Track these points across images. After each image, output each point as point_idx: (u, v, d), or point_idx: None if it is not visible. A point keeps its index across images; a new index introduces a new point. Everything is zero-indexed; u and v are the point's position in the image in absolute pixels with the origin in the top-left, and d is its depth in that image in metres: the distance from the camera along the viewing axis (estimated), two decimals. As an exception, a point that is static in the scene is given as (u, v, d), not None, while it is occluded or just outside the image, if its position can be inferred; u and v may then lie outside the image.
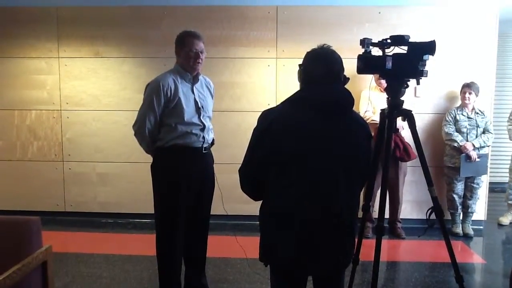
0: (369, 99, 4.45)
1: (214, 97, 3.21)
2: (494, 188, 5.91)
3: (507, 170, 5.28)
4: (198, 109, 2.95)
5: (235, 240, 3.61)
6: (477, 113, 4.71)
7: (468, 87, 4.64)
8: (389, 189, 4.64)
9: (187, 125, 2.90)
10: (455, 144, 4.62)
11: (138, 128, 2.93)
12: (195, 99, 2.95)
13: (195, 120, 2.93)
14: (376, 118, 4.26)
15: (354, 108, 1.97)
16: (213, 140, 3.14)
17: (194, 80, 2.98)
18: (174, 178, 2.93)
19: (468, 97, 4.63)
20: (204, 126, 2.97)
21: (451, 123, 4.69)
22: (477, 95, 4.66)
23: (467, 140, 4.64)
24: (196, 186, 3.00)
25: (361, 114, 4.45)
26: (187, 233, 3.06)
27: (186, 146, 2.92)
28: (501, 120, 5.81)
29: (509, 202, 5.26)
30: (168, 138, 2.91)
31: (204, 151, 3.00)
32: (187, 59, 2.90)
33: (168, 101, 2.86)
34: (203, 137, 2.97)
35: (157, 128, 2.92)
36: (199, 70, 2.97)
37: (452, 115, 4.71)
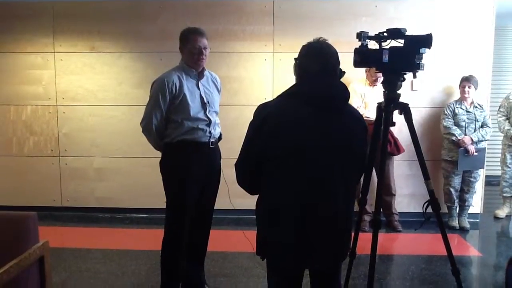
0: (361, 94, 4.46)
1: (221, 92, 3.22)
2: (491, 181, 5.94)
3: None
4: (204, 105, 2.97)
5: (236, 234, 3.61)
6: (476, 107, 4.71)
7: (467, 81, 4.63)
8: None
9: (193, 121, 2.92)
10: (454, 138, 4.63)
11: (146, 124, 2.97)
12: (200, 94, 2.97)
13: (201, 115, 2.95)
14: (369, 114, 4.28)
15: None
16: (220, 134, 3.16)
17: (200, 76, 3.00)
18: (182, 172, 2.95)
19: (468, 91, 4.63)
20: (210, 121, 2.99)
21: (449, 117, 4.69)
22: (476, 89, 4.66)
23: (466, 134, 4.64)
24: (202, 180, 3.03)
25: None
26: (191, 226, 3.08)
27: (193, 141, 2.95)
28: (498, 114, 5.80)
29: (504, 195, 5.29)
30: (175, 134, 2.94)
31: (211, 146, 3.03)
32: (190, 56, 2.92)
33: (174, 98, 2.89)
34: (210, 132, 3.00)
35: (163, 124, 2.96)
36: (203, 65, 2.99)
37: (451, 109, 4.70)
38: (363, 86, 4.48)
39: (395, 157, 4.71)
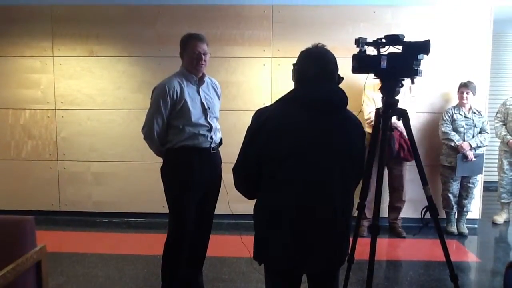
0: (373, 99, 4.44)
1: (220, 98, 3.23)
2: (489, 187, 5.94)
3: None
4: (205, 110, 2.99)
5: (234, 239, 3.59)
6: (474, 112, 4.72)
7: (465, 87, 4.64)
8: (394, 188, 4.68)
9: (194, 127, 2.94)
10: (452, 144, 4.63)
11: (147, 131, 2.97)
12: (201, 100, 2.99)
13: (202, 121, 2.97)
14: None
15: (356, 108, 1.97)
16: (221, 139, 3.18)
17: (200, 81, 3.01)
18: (184, 178, 2.97)
19: (466, 97, 4.64)
20: (211, 126, 3.01)
21: (448, 123, 4.69)
22: (474, 94, 4.67)
23: (464, 140, 4.65)
24: (204, 185, 3.04)
25: (366, 116, 4.46)
26: (191, 232, 3.08)
27: (195, 147, 2.96)
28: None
29: (502, 201, 5.29)
30: (176, 140, 2.95)
31: (212, 151, 3.05)
32: (190, 62, 2.93)
33: (175, 104, 2.90)
34: (211, 138, 3.02)
35: (165, 130, 2.97)
36: (204, 71, 3.01)
37: (449, 114, 4.71)
38: (375, 92, 4.48)
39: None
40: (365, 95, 4.54)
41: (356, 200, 2.37)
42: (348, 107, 1.97)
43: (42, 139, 5.12)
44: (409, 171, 4.78)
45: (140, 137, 3.05)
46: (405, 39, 2.45)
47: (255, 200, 2.01)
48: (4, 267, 1.97)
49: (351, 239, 2.29)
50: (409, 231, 4.64)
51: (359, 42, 2.45)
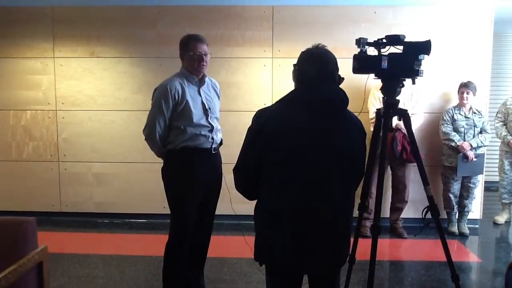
0: (379, 99, 4.44)
1: (220, 98, 3.23)
2: (490, 187, 5.94)
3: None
4: (206, 111, 2.99)
5: (235, 239, 3.59)
6: (475, 112, 4.72)
7: (465, 87, 4.64)
8: (397, 189, 4.69)
9: (196, 127, 2.94)
10: (453, 144, 4.63)
11: (149, 132, 2.97)
12: (202, 101, 2.99)
13: (203, 121, 2.97)
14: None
15: (357, 108, 1.97)
16: (221, 140, 3.18)
17: (201, 82, 3.02)
18: (185, 179, 2.97)
19: (466, 97, 4.64)
20: (212, 127, 3.01)
21: (448, 123, 4.70)
22: (474, 95, 4.67)
23: (465, 140, 4.65)
24: (205, 186, 3.05)
25: (370, 116, 4.45)
26: (192, 232, 3.08)
27: (196, 147, 2.96)
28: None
29: (503, 201, 5.29)
30: (178, 141, 2.95)
31: (213, 152, 3.05)
32: (191, 63, 2.93)
33: (176, 105, 2.90)
34: (212, 138, 3.02)
35: (166, 131, 2.97)
36: (204, 72, 3.01)
37: (449, 115, 4.71)
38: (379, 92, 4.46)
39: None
40: (371, 95, 4.55)
41: (357, 200, 2.38)
42: (349, 107, 1.97)
43: (43, 140, 5.12)
44: (413, 172, 4.79)
45: (141, 138, 3.05)
46: (405, 39, 2.45)
47: (255, 200, 2.01)
48: (5, 268, 1.97)
49: (352, 240, 2.29)
50: (410, 231, 4.64)
51: (360, 42, 2.45)
